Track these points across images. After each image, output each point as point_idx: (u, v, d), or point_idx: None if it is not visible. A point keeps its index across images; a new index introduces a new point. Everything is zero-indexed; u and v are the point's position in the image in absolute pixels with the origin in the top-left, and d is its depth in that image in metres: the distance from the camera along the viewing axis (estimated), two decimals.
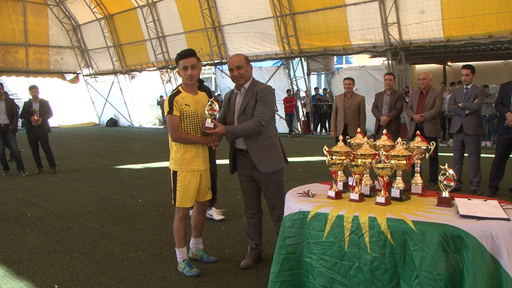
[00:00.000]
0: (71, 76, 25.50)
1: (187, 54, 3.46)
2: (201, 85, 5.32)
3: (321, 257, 2.53)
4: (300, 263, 2.67)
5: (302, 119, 17.70)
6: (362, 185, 2.83)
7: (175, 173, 3.55)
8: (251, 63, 3.65)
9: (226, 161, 3.85)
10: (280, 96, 16.25)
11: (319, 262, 2.53)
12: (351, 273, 2.42)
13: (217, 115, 3.49)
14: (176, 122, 3.45)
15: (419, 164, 2.91)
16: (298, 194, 2.86)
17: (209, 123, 3.41)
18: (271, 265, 2.75)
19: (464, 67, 6.20)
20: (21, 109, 8.91)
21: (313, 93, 17.61)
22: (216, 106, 3.40)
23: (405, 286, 2.27)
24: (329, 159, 2.80)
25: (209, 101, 3.45)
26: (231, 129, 3.42)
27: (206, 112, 3.39)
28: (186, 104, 3.46)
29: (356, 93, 7.19)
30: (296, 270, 2.68)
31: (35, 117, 8.43)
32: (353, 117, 6.98)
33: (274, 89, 3.75)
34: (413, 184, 2.89)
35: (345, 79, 7.20)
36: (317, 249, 2.54)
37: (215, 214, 5.21)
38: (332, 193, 2.78)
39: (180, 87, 3.57)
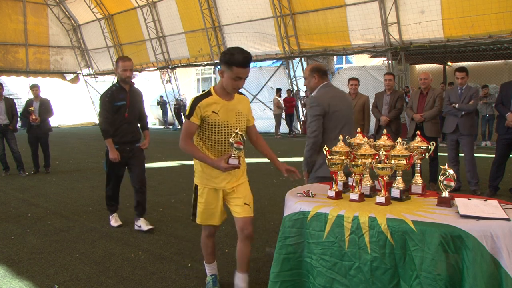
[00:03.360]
0: (71, 76, 25.50)
1: (248, 62, 2.81)
2: (132, 87, 4.94)
3: (321, 257, 2.53)
4: (300, 263, 2.67)
5: (302, 119, 17.71)
6: (362, 185, 2.83)
7: (196, 187, 3.10)
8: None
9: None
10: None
11: (319, 262, 2.53)
12: (351, 273, 2.42)
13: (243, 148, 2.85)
14: (191, 130, 2.92)
15: (419, 164, 2.91)
16: (298, 194, 2.86)
17: (233, 157, 2.82)
18: (271, 265, 2.75)
19: (458, 70, 6.25)
20: (22, 108, 8.90)
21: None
22: (243, 138, 2.81)
23: (405, 286, 2.27)
24: (329, 159, 2.80)
25: (236, 131, 2.81)
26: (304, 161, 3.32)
27: (232, 142, 2.81)
28: (213, 112, 2.87)
29: (360, 93, 7.12)
30: (296, 270, 2.68)
31: (33, 116, 8.41)
32: (358, 117, 6.89)
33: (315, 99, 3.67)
34: (413, 184, 2.89)
35: (350, 79, 7.10)
36: (317, 249, 2.54)
37: (143, 225, 4.86)
38: (332, 193, 2.77)
39: (213, 88, 2.96)
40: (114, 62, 4.99)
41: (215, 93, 2.93)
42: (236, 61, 2.76)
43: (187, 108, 2.91)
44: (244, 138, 2.79)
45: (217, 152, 2.96)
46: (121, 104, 4.74)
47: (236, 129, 2.83)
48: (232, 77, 2.80)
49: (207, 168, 2.96)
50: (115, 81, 4.93)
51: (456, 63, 15.76)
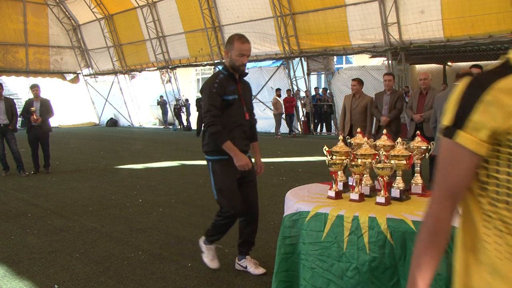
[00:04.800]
0: (71, 76, 25.50)
1: None
2: (241, 78, 3.46)
3: (318, 258, 2.52)
4: (297, 264, 2.67)
5: (302, 119, 17.70)
6: (362, 185, 2.83)
7: None
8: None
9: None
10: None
11: (316, 263, 2.53)
12: (348, 274, 2.41)
13: None
14: (465, 166, 1.02)
15: (419, 164, 2.91)
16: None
17: None
18: (274, 264, 2.75)
19: (475, 66, 5.70)
20: (22, 108, 8.90)
21: (313, 93, 17.61)
22: None
23: (405, 283, 2.27)
24: (329, 159, 2.80)
25: None
26: None
27: None
28: None
29: (365, 94, 7.05)
30: (292, 271, 2.68)
31: (34, 116, 8.40)
32: (359, 118, 6.80)
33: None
34: (413, 184, 2.89)
35: (352, 80, 7.09)
36: (314, 250, 2.54)
37: (252, 266, 3.58)
38: (332, 193, 2.77)
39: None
40: (226, 43, 3.38)
41: None
42: None
43: (453, 104, 1.05)
44: None
45: None
46: (232, 99, 3.34)
47: None
48: None
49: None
50: (221, 67, 3.57)
51: (456, 63, 15.79)
